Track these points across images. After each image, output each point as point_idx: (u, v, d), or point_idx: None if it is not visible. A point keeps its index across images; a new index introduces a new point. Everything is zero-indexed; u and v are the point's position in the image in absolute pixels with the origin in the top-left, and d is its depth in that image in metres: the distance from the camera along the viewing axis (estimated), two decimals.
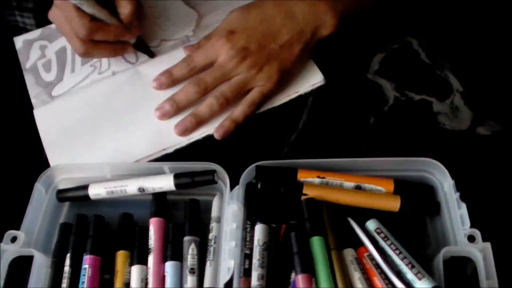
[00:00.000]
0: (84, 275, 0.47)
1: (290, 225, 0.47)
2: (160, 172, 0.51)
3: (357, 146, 0.55)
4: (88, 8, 0.54)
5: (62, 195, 0.53)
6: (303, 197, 0.48)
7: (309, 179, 0.50)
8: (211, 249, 0.47)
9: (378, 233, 0.46)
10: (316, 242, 0.45)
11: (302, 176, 0.50)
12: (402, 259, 0.44)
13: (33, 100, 0.61)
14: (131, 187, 0.51)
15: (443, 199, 0.48)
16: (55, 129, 0.58)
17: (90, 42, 0.56)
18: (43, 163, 0.56)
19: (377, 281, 0.44)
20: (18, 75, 0.63)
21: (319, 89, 0.59)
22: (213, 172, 0.49)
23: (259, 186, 0.49)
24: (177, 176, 0.50)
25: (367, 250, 0.46)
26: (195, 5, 0.66)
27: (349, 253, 0.46)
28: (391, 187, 0.49)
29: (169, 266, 0.47)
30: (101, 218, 0.50)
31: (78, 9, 0.53)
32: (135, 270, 0.47)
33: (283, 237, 0.47)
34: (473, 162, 0.53)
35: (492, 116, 0.56)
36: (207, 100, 0.56)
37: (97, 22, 0.55)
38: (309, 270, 0.44)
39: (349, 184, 0.49)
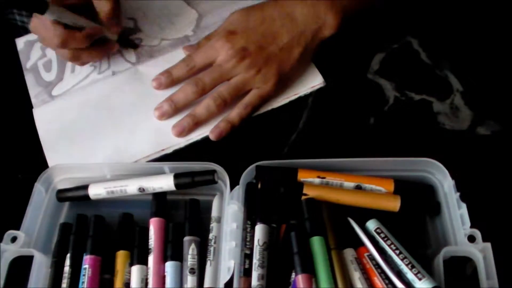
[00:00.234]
0: (84, 275, 0.47)
1: (290, 225, 0.47)
2: (160, 172, 0.51)
3: (357, 146, 0.55)
4: (67, 20, 0.54)
5: (62, 195, 0.53)
6: (303, 197, 0.48)
7: (309, 179, 0.50)
8: (211, 249, 0.47)
9: (378, 233, 0.46)
10: (316, 242, 0.45)
11: (302, 176, 0.50)
12: (402, 259, 0.44)
13: (33, 100, 0.61)
14: (131, 187, 0.50)
15: (443, 199, 0.48)
16: (54, 129, 0.58)
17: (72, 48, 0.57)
18: (43, 163, 0.56)
19: (377, 281, 0.44)
20: (18, 75, 0.63)
21: (319, 89, 0.59)
22: (213, 172, 0.49)
23: (259, 186, 0.49)
24: (177, 176, 0.50)
25: (367, 250, 0.46)
26: (196, 4, 0.66)
27: (349, 253, 0.46)
28: (391, 187, 0.49)
29: (169, 266, 0.47)
30: (101, 218, 0.50)
31: (53, 21, 0.54)
32: (135, 270, 0.47)
33: (283, 237, 0.47)
34: (473, 162, 0.53)
35: (492, 116, 0.56)
36: (204, 101, 0.56)
37: (69, 31, 0.55)
38: (309, 270, 0.44)
39: (349, 184, 0.49)
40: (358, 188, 0.49)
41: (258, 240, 0.46)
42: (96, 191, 0.51)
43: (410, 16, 0.64)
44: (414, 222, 0.49)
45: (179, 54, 0.61)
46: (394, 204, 0.48)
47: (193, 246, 0.48)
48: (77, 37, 0.55)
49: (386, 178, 0.49)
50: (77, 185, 0.53)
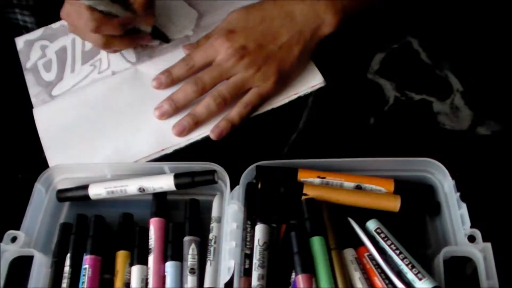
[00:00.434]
0: (84, 275, 0.47)
1: (290, 225, 0.47)
2: (160, 172, 0.51)
3: (357, 146, 0.55)
4: (103, 7, 0.54)
5: (62, 195, 0.53)
6: (303, 197, 0.48)
7: (309, 179, 0.50)
8: (212, 249, 0.47)
9: (378, 233, 0.46)
10: (316, 242, 0.45)
11: (302, 176, 0.50)
12: (402, 259, 0.44)
13: (33, 100, 0.61)
14: (131, 187, 0.50)
15: (443, 199, 0.48)
16: (54, 129, 0.58)
17: (105, 35, 0.56)
18: (43, 163, 0.56)
19: (377, 281, 0.44)
20: (18, 74, 0.63)
21: (319, 89, 0.59)
22: (213, 172, 0.49)
23: (259, 186, 0.49)
24: (177, 176, 0.50)
25: (367, 250, 0.46)
26: (196, 4, 0.66)
27: (349, 253, 0.46)
28: (391, 187, 0.49)
29: (169, 266, 0.47)
30: (101, 218, 0.50)
31: (88, 6, 0.54)
32: (135, 270, 0.47)
33: (283, 237, 0.47)
34: (473, 162, 0.53)
35: (492, 116, 0.56)
36: (204, 100, 0.56)
37: (105, 16, 0.55)
38: (309, 270, 0.44)
39: (349, 184, 0.49)
40: (358, 188, 0.49)
41: (258, 240, 0.46)
42: (96, 191, 0.51)
43: (410, 16, 0.64)
44: (414, 222, 0.49)
45: (180, 54, 0.61)
46: (394, 204, 0.48)
47: (193, 246, 0.48)
48: (113, 23, 0.55)
49: (386, 178, 0.49)
50: (77, 185, 0.53)
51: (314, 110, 0.58)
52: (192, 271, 0.47)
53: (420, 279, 0.43)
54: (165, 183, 0.50)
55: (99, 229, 0.50)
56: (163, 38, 0.62)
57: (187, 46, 0.62)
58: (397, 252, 0.45)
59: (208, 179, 0.50)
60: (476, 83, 0.59)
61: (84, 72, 0.62)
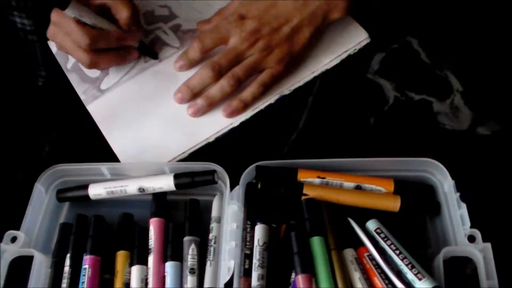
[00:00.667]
0: (84, 275, 0.47)
1: (290, 225, 0.47)
2: (160, 172, 0.51)
3: (357, 146, 0.55)
4: (88, 19, 0.54)
5: (62, 195, 0.53)
6: (303, 197, 0.48)
7: (309, 179, 0.50)
8: (211, 249, 0.48)
9: (378, 233, 0.46)
10: (316, 242, 0.45)
11: (302, 176, 0.50)
12: (402, 259, 0.44)
13: (82, 97, 0.61)
14: (131, 187, 0.51)
15: (443, 199, 0.48)
16: (111, 120, 0.58)
17: (94, 52, 0.56)
18: (43, 163, 0.56)
19: (377, 281, 0.44)
20: (17, 74, 0.63)
21: (319, 89, 0.59)
22: (213, 172, 0.49)
23: (259, 186, 0.49)
24: (177, 176, 0.50)
25: (367, 250, 0.46)
26: None
27: (349, 253, 0.46)
28: (391, 187, 0.49)
29: (169, 266, 0.47)
30: (101, 218, 0.50)
31: (77, 22, 0.54)
32: (135, 270, 0.48)
33: (283, 237, 0.47)
34: (473, 162, 0.53)
35: (492, 116, 0.56)
36: (218, 82, 0.57)
37: (98, 30, 0.55)
38: (309, 270, 0.44)
39: (349, 184, 0.49)
40: (358, 188, 0.49)
41: (258, 240, 0.46)
42: (96, 191, 0.51)
43: (410, 16, 0.64)
44: (414, 222, 0.49)
45: None
46: (394, 204, 0.48)
47: (193, 246, 0.48)
48: (107, 36, 0.56)
49: (386, 178, 0.49)
50: (77, 185, 0.53)
51: (314, 110, 0.58)
52: (192, 271, 0.47)
53: (420, 279, 0.43)
54: (165, 183, 0.50)
55: (99, 229, 0.50)
56: (151, 54, 0.62)
57: (201, 23, 0.62)
58: (397, 252, 0.45)
59: (208, 179, 0.50)
60: (476, 83, 0.59)
61: (130, 63, 0.62)
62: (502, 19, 0.63)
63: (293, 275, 0.45)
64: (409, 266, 0.44)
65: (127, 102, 0.59)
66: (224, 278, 0.45)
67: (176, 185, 0.50)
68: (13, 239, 0.49)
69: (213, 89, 0.57)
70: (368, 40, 0.60)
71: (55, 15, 0.55)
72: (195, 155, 0.55)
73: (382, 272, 0.44)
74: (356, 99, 0.59)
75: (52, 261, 0.49)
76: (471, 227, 0.45)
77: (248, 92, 0.57)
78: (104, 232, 0.50)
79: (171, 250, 0.48)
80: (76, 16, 0.53)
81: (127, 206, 0.52)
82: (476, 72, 0.59)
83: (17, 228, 0.49)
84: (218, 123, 0.57)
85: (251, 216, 0.48)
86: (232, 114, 0.56)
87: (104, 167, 0.52)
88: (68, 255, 0.48)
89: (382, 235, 0.46)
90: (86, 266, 0.47)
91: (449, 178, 0.48)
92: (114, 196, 0.51)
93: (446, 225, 0.47)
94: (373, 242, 0.46)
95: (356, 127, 0.57)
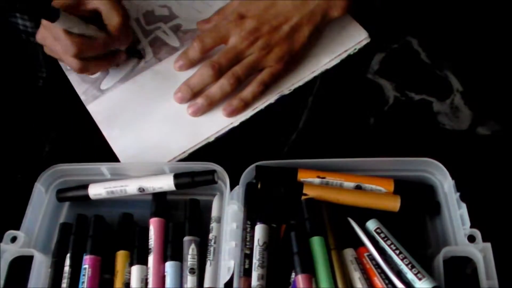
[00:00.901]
0: (84, 275, 0.47)
1: (290, 225, 0.47)
2: (160, 172, 0.51)
3: (357, 146, 0.55)
4: (76, 30, 0.53)
5: (62, 195, 0.53)
6: (303, 197, 0.48)
7: (309, 179, 0.50)
8: (211, 249, 0.48)
9: (378, 233, 0.46)
10: (316, 242, 0.45)
11: (302, 176, 0.50)
12: (402, 259, 0.44)
13: (82, 97, 0.61)
14: (131, 187, 0.51)
15: (443, 199, 0.48)
16: (112, 119, 0.58)
17: (83, 59, 0.56)
18: (43, 163, 0.56)
19: (377, 281, 0.44)
20: (18, 74, 0.63)
21: (319, 89, 0.59)
22: (213, 172, 0.49)
23: (259, 186, 0.49)
24: (177, 176, 0.50)
25: (367, 250, 0.46)
26: None
27: (349, 253, 0.46)
28: (391, 187, 0.49)
29: (169, 266, 0.47)
30: (101, 218, 0.50)
31: (65, 30, 0.53)
32: (135, 270, 0.48)
33: (283, 237, 0.47)
34: (473, 162, 0.53)
35: (492, 116, 0.56)
36: (218, 81, 0.57)
37: (86, 39, 0.54)
38: (309, 270, 0.44)
39: (349, 184, 0.49)
40: (358, 188, 0.49)
41: (258, 240, 0.46)
42: (96, 191, 0.51)
43: (410, 16, 0.64)
44: (414, 222, 0.49)
45: None
46: (394, 204, 0.48)
47: (193, 246, 0.48)
48: (94, 45, 0.55)
49: (386, 178, 0.49)
50: (77, 185, 0.53)
51: (314, 110, 0.58)
52: (192, 271, 0.47)
53: (420, 279, 0.43)
54: (165, 183, 0.50)
55: (99, 229, 0.50)
56: (138, 55, 0.62)
57: (201, 23, 0.62)
58: (397, 252, 0.45)
59: (208, 179, 0.50)
60: (476, 83, 0.59)
61: (130, 63, 0.62)
62: (502, 19, 0.63)
63: (293, 275, 0.45)
64: (409, 266, 0.44)
65: (127, 102, 0.59)
66: (224, 278, 0.45)
67: (176, 185, 0.50)
68: (13, 239, 0.49)
69: (213, 88, 0.57)
70: (368, 40, 0.60)
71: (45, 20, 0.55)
72: (195, 155, 0.55)
73: (382, 272, 0.45)
74: (356, 99, 0.59)
75: (52, 261, 0.49)
76: (471, 227, 0.45)
77: (248, 91, 0.57)
78: (104, 232, 0.50)
79: (171, 250, 0.48)
80: (65, 27, 0.52)
81: (127, 206, 0.52)
82: (476, 72, 0.59)
83: (17, 228, 0.49)
84: (218, 123, 0.57)
85: (251, 216, 0.48)
86: (232, 113, 0.57)
87: (104, 167, 0.52)
88: (68, 255, 0.48)
89: (382, 235, 0.46)
90: (86, 266, 0.47)
91: (449, 178, 0.48)
92: (114, 196, 0.51)
93: (446, 225, 0.47)
94: (373, 242, 0.46)
95: (356, 127, 0.57)
